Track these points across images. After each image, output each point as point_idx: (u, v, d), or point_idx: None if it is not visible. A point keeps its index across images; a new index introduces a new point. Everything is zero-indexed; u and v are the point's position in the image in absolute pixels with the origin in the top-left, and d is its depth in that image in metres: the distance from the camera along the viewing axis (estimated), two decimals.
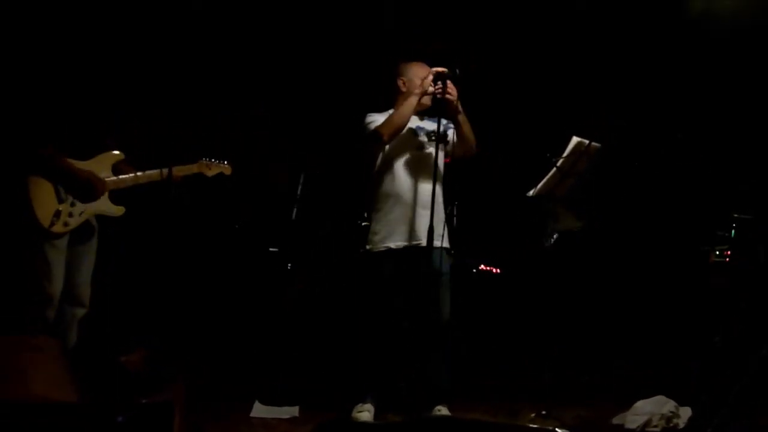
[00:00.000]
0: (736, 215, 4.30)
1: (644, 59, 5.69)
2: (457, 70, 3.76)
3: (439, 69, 3.80)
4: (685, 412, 3.65)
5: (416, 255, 3.73)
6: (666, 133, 5.74)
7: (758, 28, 5.20)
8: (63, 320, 3.60)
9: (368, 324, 3.82)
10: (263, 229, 5.40)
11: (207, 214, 5.31)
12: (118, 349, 3.13)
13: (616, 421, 3.77)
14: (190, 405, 3.00)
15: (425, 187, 3.79)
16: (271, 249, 5.26)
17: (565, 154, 3.86)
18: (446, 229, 3.83)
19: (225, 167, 3.96)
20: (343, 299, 5.10)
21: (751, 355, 3.10)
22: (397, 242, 3.80)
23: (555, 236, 4.13)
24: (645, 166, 5.77)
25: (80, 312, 3.65)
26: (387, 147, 3.87)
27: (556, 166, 3.87)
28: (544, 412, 3.76)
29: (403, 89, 3.92)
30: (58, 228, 3.48)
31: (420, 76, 3.87)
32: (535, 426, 3.48)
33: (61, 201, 3.51)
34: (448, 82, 3.74)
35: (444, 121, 3.80)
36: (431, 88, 3.79)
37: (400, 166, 3.87)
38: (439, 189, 3.82)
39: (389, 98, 3.96)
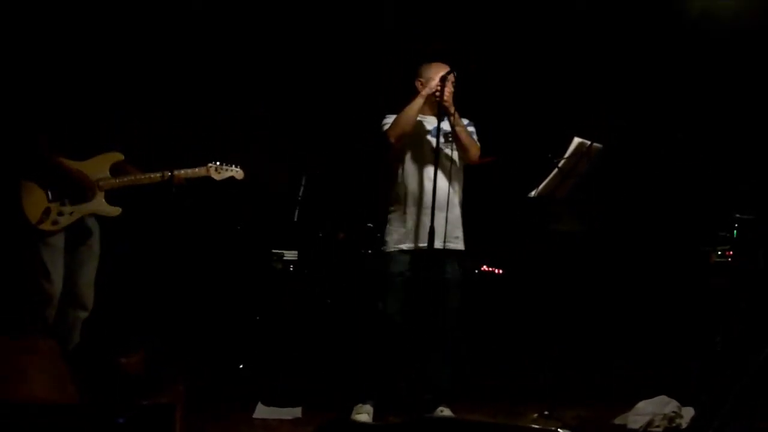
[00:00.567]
0: (737, 215, 4.30)
1: (644, 60, 5.69)
2: (454, 72, 3.75)
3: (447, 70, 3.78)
4: (688, 413, 3.63)
5: (430, 257, 3.68)
6: (666, 133, 5.74)
7: (758, 28, 5.21)
8: (65, 322, 3.60)
9: (369, 325, 3.81)
10: (264, 230, 5.38)
11: (208, 215, 5.30)
12: (118, 350, 3.12)
13: (618, 421, 3.76)
14: (190, 406, 2.99)
15: (441, 189, 3.73)
16: (275, 251, 5.21)
17: (566, 155, 3.85)
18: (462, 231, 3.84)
19: (237, 171, 3.91)
20: (345, 300, 5.10)
21: (752, 356, 3.09)
22: (410, 244, 3.79)
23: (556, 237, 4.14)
24: (645, 166, 5.76)
25: (82, 314, 3.65)
26: (404, 148, 3.85)
27: (558, 167, 3.86)
28: (546, 413, 3.76)
29: (421, 90, 3.88)
30: (46, 226, 3.48)
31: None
32: (538, 427, 3.48)
33: (51, 200, 3.51)
34: (448, 83, 3.73)
35: (465, 121, 3.83)
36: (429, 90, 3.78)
37: (416, 167, 3.85)
38: (453, 190, 3.81)
39: (409, 100, 3.88)
